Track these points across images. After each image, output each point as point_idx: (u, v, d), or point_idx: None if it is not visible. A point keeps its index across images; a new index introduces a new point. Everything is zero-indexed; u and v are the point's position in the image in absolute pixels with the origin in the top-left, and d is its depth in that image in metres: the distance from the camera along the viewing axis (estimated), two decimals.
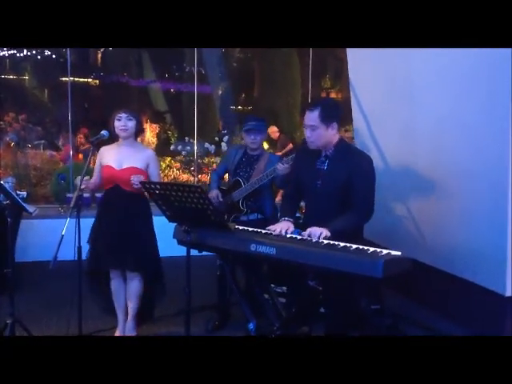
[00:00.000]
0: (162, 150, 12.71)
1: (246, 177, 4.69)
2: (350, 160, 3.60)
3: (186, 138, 12.19)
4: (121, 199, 4.26)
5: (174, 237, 3.90)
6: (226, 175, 5.09)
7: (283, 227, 3.63)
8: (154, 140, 13.95)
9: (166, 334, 4.62)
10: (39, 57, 15.24)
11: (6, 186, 4.30)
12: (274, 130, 11.19)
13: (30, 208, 4.43)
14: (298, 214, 4.47)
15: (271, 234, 3.59)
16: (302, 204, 4.45)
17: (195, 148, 10.80)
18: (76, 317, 3.90)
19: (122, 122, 4.22)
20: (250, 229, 3.79)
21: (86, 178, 4.01)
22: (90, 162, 4.23)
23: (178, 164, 11.68)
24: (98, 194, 5.49)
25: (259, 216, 4.72)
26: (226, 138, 11.90)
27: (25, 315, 4.48)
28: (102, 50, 16.56)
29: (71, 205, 3.79)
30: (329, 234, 3.38)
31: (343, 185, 3.57)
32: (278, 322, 3.82)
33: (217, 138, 12.67)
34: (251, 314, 3.86)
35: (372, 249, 3.18)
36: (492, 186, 4.48)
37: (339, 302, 3.65)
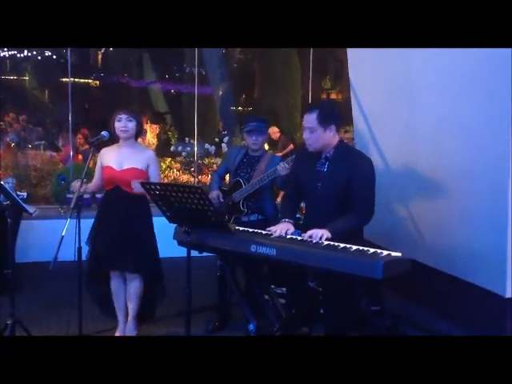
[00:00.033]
0: (163, 150, 12.72)
1: (247, 177, 4.68)
2: (349, 162, 3.60)
3: (187, 139, 12.19)
4: (121, 200, 4.25)
5: (174, 238, 3.90)
6: (227, 176, 5.09)
7: (283, 228, 3.63)
8: (155, 141, 13.97)
9: (166, 334, 4.61)
10: (40, 57, 15.27)
11: (7, 186, 4.30)
12: (274, 131, 11.20)
13: (30, 209, 4.43)
14: (298, 215, 4.47)
15: (272, 234, 3.59)
16: (303, 205, 4.45)
17: (195, 149, 10.80)
18: (76, 317, 3.91)
19: (123, 123, 4.22)
20: (251, 230, 3.78)
21: (84, 181, 4.00)
22: (89, 163, 4.22)
23: (179, 165, 11.68)
24: (99, 195, 5.49)
25: (260, 217, 4.72)
26: (226, 139, 11.89)
27: (25, 316, 4.48)
28: (102, 50, 16.60)
29: (71, 205, 3.79)
30: (329, 235, 3.38)
31: (343, 186, 3.57)
32: (278, 322, 3.82)
33: (217, 139, 12.68)
34: (251, 314, 3.86)
35: (372, 250, 3.17)
36: (492, 187, 4.48)
37: (339, 303, 3.65)
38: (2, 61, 14.87)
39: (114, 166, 4.26)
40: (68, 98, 8.57)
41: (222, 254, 4.04)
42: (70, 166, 8.55)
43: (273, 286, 4.81)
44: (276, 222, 3.87)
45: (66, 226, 3.57)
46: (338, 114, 3.68)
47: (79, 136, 10.53)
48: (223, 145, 11.64)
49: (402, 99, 5.68)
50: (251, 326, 3.81)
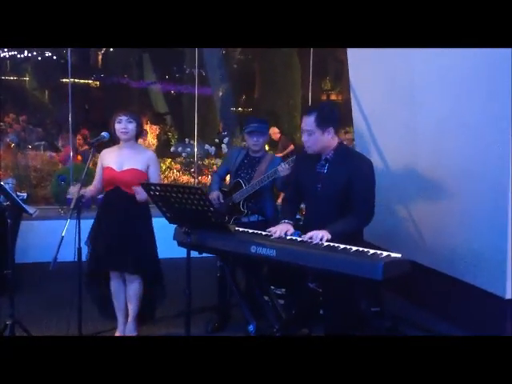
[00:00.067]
0: (163, 151, 12.72)
1: (248, 178, 4.68)
2: (349, 163, 3.60)
3: (187, 140, 12.19)
4: (121, 201, 4.25)
5: (174, 238, 3.90)
6: (228, 177, 5.09)
7: (282, 229, 3.63)
8: (155, 141, 13.96)
9: (166, 335, 4.61)
10: (40, 58, 15.28)
11: (7, 187, 4.30)
12: (275, 131, 11.21)
13: (30, 209, 4.43)
14: (298, 216, 4.47)
15: (272, 235, 3.59)
16: (303, 206, 4.45)
17: (195, 149, 10.81)
18: (76, 318, 3.90)
19: (123, 125, 4.22)
20: (251, 230, 3.79)
21: (83, 190, 4.01)
22: (89, 164, 4.22)
23: (179, 165, 11.69)
24: (99, 196, 5.49)
25: (260, 218, 4.71)
26: (226, 140, 11.90)
27: (25, 316, 4.48)
28: (102, 51, 16.60)
29: (71, 206, 3.79)
30: (329, 236, 3.38)
31: (343, 188, 3.57)
32: (278, 323, 3.82)
33: (217, 140, 12.69)
34: (251, 315, 3.86)
35: (372, 251, 3.17)
36: (492, 188, 4.47)
37: (339, 304, 3.65)
38: (2, 61, 14.87)
39: (114, 167, 4.26)
40: (68, 98, 8.57)
41: (221, 254, 4.04)
42: (69, 167, 8.55)
43: (272, 287, 4.81)
44: (276, 222, 3.87)
45: (66, 227, 3.57)
46: (336, 116, 3.68)
47: (78, 137, 10.54)
48: (223, 146, 11.64)
49: (402, 100, 5.68)
50: (251, 327, 3.81)
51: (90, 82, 16.58)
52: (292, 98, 15.61)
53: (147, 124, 13.57)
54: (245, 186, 4.63)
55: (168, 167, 11.55)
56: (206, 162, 11.83)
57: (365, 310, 4.64)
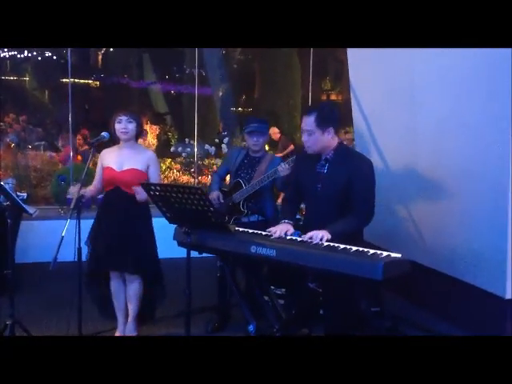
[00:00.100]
0: (162, 151, 12.72)
1: (248, 178, 4.68)
2: (349, 163, 3.60)
3: (187, 140, 12.19)
4: (121, 201, 4.25)
5: (174, 238, 3.90)
6: (228, 177, 5.09)
7: (282, 229, 3.63)
8: (155, 141, 13.96)
9: (166, 335, 4.61)
10: (40, 58, 15.27)
11: (7, 187, 4.30)
12: (275, 131, 11.21)
13: (30, 209, 4.43)
14: (298, 216, 4.47)
15: (271, 235, 3.59)
16: (303, 206, 4.45)
17: (195, 149, 10.81)
18: (76, 318, 3.90)
19: (123, 125, 4.22)
20: (251, 230, 3.79)
21: (83, 190, 4.01)
22: (89, 164, 4.22)
23: (178, 165, 11.68)
24: (99, 196, 5.49)
25: (260, 218, 4.71)
26: (226, 140, 11.90)
27: (25, 316, 4.48)
28: (102, 51, 16.59)
29: (71, 206, 3.79)
30: (329, 236, 3.38)
31: (343, 188, 3.57)
32: (278, 323, 3.82)
33: (217, 140, 12.69)
34: (251, 315, 3.86)
35: (372, 251, 3.17)
36: (492, 187, 4.47)
37: (339, 304, 3.65)
38: (2, 61, 14.87)
39: (114, 167, 4.26)
40: (68, 98, 8.57)
41: (221, 254, 4.04)
42: (69, 167, 8.55)
43: (272, 287, 4.81)
44: (276, 223, 3.87)
45: (66, 227, 3.57)
46: (336, 117, 3.68)
47: (78, 137, 10.53)
48: (223, 146, 11.64)
49: (402, 100, 5.67)
50: (251, 327, 3.81)
51: (90, 82, 16.57)
52: (292, 98, 15.61)
53: (147, 124, 13.56)
54: (245, 186, 4.63)
55: (168, 167, 11.55)
56: (206, 162, 11.83)
57: (365, 310, 4.64)
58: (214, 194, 4.74)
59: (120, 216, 4.25)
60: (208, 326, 4.81)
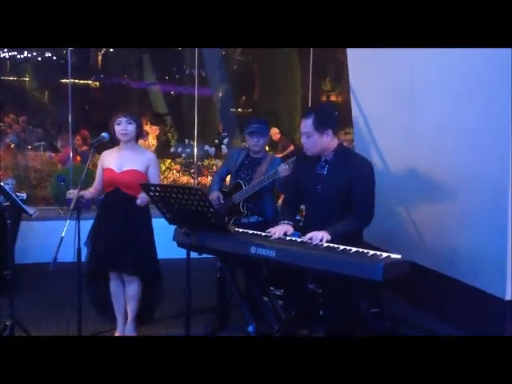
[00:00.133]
0: (162, 152, 12.70)
1: (248, 179, 4.67)
2: (349, 165, 3.60)
3: (186, 141, 12.18)
4: (121, 202, 4.25)
5: (173, 239, 3.90)
6: (228, 177, 5.08)
7: (281, 230, 3.63)
8: (154, 142, 13.94)
9: (166, 335, 4.60)
10: (40, 58, 15.26)
11: (6, 187, 4.29)
12: (275, 132, 11.21)
13: (30, 210, 4.42)
14: (298, 217, 4.47)
15: (271, 236, 3.59)
16: (303, 207, 4.45)
17: (195, 150, 10.80)
18: (75, 318, 3.90)
19: (122, 127, 4.21)
20: (250, 231, 3.79)
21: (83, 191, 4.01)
22: (89, 165, 4.22)
23: (178, 166, 11.68)
24: (99, 197, 5.50)
25: (260, 218, 4.71)
26: (226, 141, 11.90)
27: (24, 317, 4.48)
28: (102, 51, 16.58)
29: (71, 207, 3.79)
30: (329, 237, 3.38)
31: (343, 189, 3.57)
32: (278, 324, 3.82)
33: (217, 141, 12.69)
34: (251, 316, 3.86)
35: (372, 252, 3.17)
36: (492, 188, 4.47)
37: (339, 305, 3.65)
38: (2, 62, 14.86)
39: (114, 168, 4.26)
40: (68, 99, 8.57)
41: (221, 255, 4.04)
42: (69, 167, 8.54)
43: (271, 288, 4.80)
44: (276, 223, 3.87)
45: (66, 227, 3.57)
46: (334, 119, 3.68)
47: (77, 137, 10.52)
48: (223, 146, 11.64)
49: (402, 100, 5.67)
50: (250, 328, 3.80)
51: (90, 82, 16.56)
52: (292, 99, 15.60)
53: (147, 124, 13.56)
54: (245, 186, 4.62)
55: (168, 168, 11.55)
56: (206, 162, 11.83)
57: (364, 311, 4.64)
58: (214, 195, 4.73)
59: (120, 217, 4.25)
60: (207, 326, 4.80)
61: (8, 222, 4.14)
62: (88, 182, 4.44)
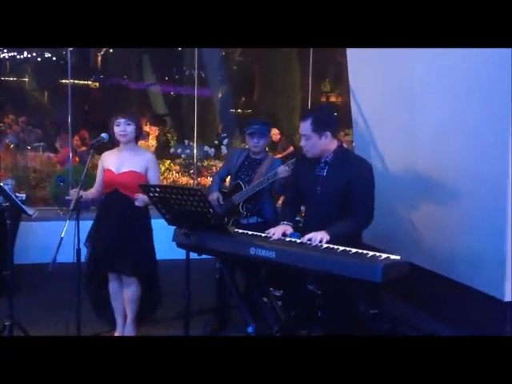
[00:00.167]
0: (162, 152, 12.70)
1: (248, 180, 4.68)
2: (349, 166, 3.61)
3: (186, 141, 12.18)
4: (119, 203, 4.25)
5: (173, 240, 3.89)
6: (228, 178, 5.08)
7: (280, 230, 3.63)
8: (154, 143, 13.94)
9: (165, 335, 4.60)
10: (39, 59, 15.23)
11: (6, 188, 4.28)
12: (275, 133, 11.20)
13: (30, 210, 4.42)
14: (297, 218, 4.46)
15: (271, 237, 3.59)
16: (303, 208, 4.45)
17: (195, 151, 10.78)
18: (74, 319, 3.89)
19: (121, 128, 4.21)
20: (250, 232, 3.78)
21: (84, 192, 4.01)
22: (89, 165, 4.22)
23: (178, 167, 11.68)
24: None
25: (259, 219, 4.71)
26: (225, 141, 11.90)
27: (23, 317, 4.47)
28: (102, 52, 16.56)
29: (70, 207, 3.78)
30: (328, 237, 3.38)
31: (343, 191, 3.57)
32: (277, 325, 3.81)
33: (216, 141, 12.67)
34: (250, 317, 3.86)
35: (371, 253, 3.17)
36: (492, 188, 4.47)
37: (338, 306, 3.65)
38: (2, 62, 14.84)
39: (113, 169, 4.26)
40: (68, 99, 8.56)
41: (221, 256, 4.03)
42: (69, 168, 8.54)
43: (271, 289, 4.80)
44: (275, 224, 3.87)
45: (65, 228, 3.56)
46: (333, 120, 3.69)
47: (76, 138, 10.51)
48: (222, 147, 11.64)
49: (402, 101, 5.67)
50: (250, 329, 3.80)
51: (90, 83, 16.54)
52: (291, 100, 15.59)
53: (146, 125, 13.55)
54: (244, 187, 4.62)
55: (167, 168, 11.55)
56: (206, 163, 11.83)
57: (364, 312, 4.62)
58: (214, 196, 4.73)
59: (118, 218, 4.25)
60: (207, 327, 4.80)
61: (7, 222, 4.15)
62: (88, 182, 4.43)
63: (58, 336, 4.25)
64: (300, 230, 3.74)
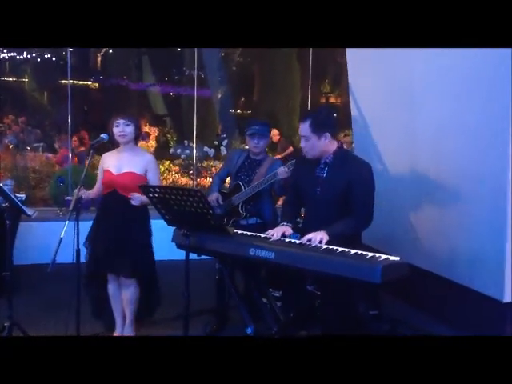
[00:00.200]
0: (161, 153, 12.70)
1: (247, 181, 4.67)
2: (349, 167, 3.61)
3: (186, 142, 12.18)
4: (118, 204, 4.24)
5: (172, 240, 3.89)
6: (228, 179, 5.08)
7: (280, 231, 3.63)
8: (153, 143, 13.94)
9: (164, 336, 4.60)
10: (39, 59, 15.24)
11: (5, 188, 4.28)
12: (274, 133, 11.21)
13: (29, 210, 4.41)
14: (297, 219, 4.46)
15: (270, 238, 3.59)
16: (303, 209, 4.45)
17: (194, 152, 10.79)
18: (74, 320, 3.89)
19: (120, 128, 4.21)
20: (249, 233, 3.78)
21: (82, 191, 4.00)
22: (88, 165, 4.22)
23: (177, 167, 11.69)
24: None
25: (258, 220, 4.71)
26: (225, 142, 11.91)
27: (23, 318, 4.47)
28: (101, 53, 16.57)
29: (70, 208, 3.78)
30: (327, 237, 3.38)
31: (342, 192, 3.57)
32: (276, 326, 3.81)
33: (216, 142, 12.68)
34: (249, 317, 3.85)
35: (370, 254, 3.17)
36: (492, 189, 4.47)
37: (337, 307, 3.64)
38: (2, 62, 14.84)
39: (113, 170, 4.26)
40: (67, 100, 8.57)
41: (220, 257, 4.03)
42: (68, 168, 8.54)
43: (270, 290, 4.80)
44: (275, 225, 3.87)
45: (65, 228, 3.56)
46: (332, 121, 3.69)
47: (74, 138, 10.51)
48: (222, 148, 11.65)
49: (402, 101, 5.67)
50: (249, 330, 3.80)
51: (89, 83, 16.54)
52: (291, 100, 15.59)
53: (146, 126, 13.56)
54: (244, 188, 4.62)
55: (167, 169, 11.55)
56: (205, 164, 11.84)
57: (363, 313, 4.63)
58: (213, 196, 4.73)
59: (117, 219, 4.25)
60: (206, 328, 4.80)
61: (7, 222, 4.15)
62: (87, 182, 4.43)
63: (57, 336, 4.25)
64: (299, 231, 3.74)
